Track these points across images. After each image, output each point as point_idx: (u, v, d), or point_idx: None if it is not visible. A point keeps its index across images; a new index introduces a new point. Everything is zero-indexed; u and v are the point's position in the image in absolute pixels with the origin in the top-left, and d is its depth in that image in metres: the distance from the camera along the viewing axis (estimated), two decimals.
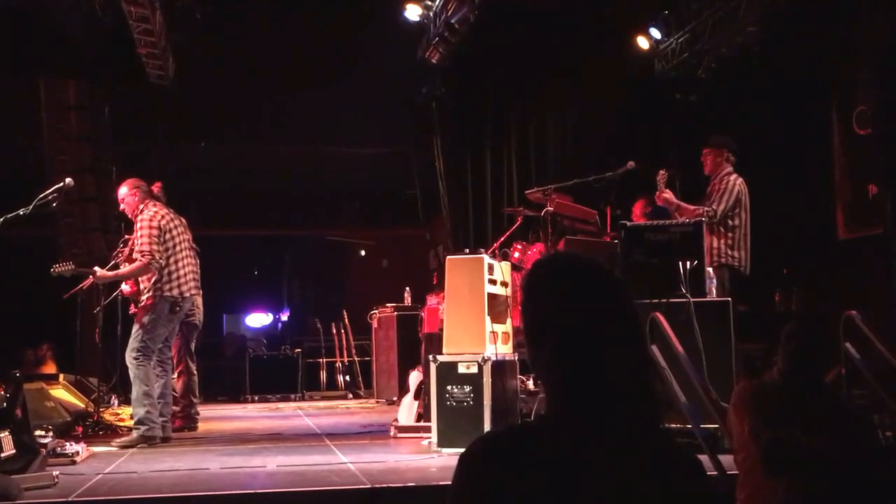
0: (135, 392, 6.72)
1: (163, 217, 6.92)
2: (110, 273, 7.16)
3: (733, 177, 7.20)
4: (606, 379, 1.66)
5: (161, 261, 6.80)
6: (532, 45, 10.84)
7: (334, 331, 13.29)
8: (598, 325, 1.68)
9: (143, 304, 6.90)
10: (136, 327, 6.85)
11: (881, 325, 5.91)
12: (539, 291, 1.76)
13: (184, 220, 7.50)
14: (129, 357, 6.77)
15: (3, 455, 4.86)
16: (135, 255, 6.89)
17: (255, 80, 11.44)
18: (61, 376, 8.67)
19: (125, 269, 7.09)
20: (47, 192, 6.12)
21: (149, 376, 6.72)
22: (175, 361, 8.05)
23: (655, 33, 10.82)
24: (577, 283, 1.73)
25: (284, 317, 18.04)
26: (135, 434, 6.65)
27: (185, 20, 10.39)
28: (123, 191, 7.07)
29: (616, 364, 1.67)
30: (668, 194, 7.15)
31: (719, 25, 9.94)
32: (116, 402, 8.58)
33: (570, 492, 1.59)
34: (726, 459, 4.14)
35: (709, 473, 4.20)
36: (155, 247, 6.77)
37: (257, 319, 18.29)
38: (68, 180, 6.25)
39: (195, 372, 8.28)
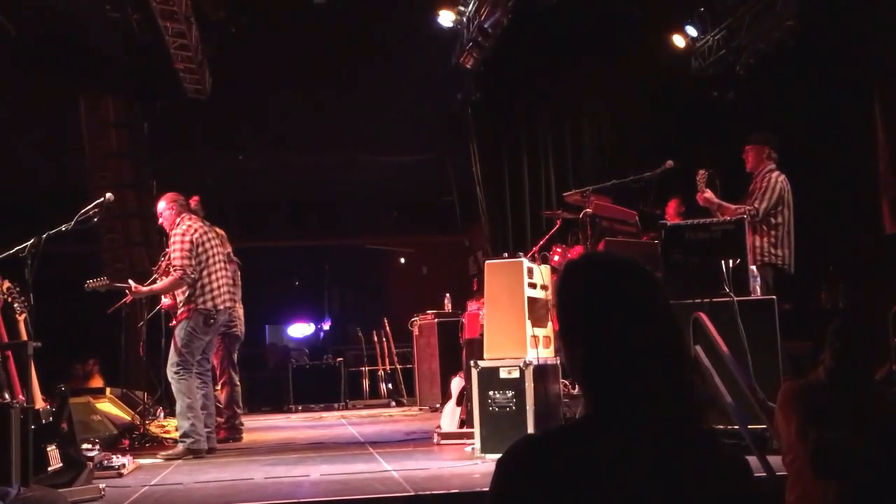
0: (179, 406, 6.80)
1: (196, 231, 6.99)
2: (145, 288, 7.24)
3: (776, 174, 7.09)
4: (643, 379, 1.63)
5: (193, 275, 6.87)
6: (566, 46, 10.78)
7: (375, 339, 13.31)
8: (633, 324, 1.65)
9: (178, 317, 6.98)
10: (173, 342, 6.92)
11: None
12: (573, 292, 1.73)
13: (221, 233, 7.56)
14: (170, 372, 6.87)
15: (50, 469, 4.90)
16: (170, 270, 6.97)
17: (290, 90, 11.52)
18: (108, 390, 8.76)
19: (160, 283, 7.19)
20: (88, 207, 6.18)
21: (191, 389, 6.78)
22: (218, 373, 8.12)
23: (692, 31, 10.71)
24: (611, 282, 1.70)
25: (326, 326, 18.12)
26: (180, 447, 6.71)
27: (220, 33, 10.48)
28: (161, 205, 7.18)
29: (653, 363, 1.64)
30: (709, 194, 7.06)
31: (756, 21, 9.81)
32: (162, 415, 8.65)
33: (610, 494, 1.56)
34: (775, 460, 4.06)
35: (757, 475, 4.13)
36: (187, 261, 6.85)
37: (299, 330, 18.39)
38: (108, 195, 6.30)
39: (238, 383, 8.32)
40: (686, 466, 1.60)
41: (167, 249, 7.48)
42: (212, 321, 7.01)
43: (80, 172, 11.30)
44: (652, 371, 1.63)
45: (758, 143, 7.27)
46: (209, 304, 6.95)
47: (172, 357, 6.86)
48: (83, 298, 9.11)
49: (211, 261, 7.02)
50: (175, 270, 6.85)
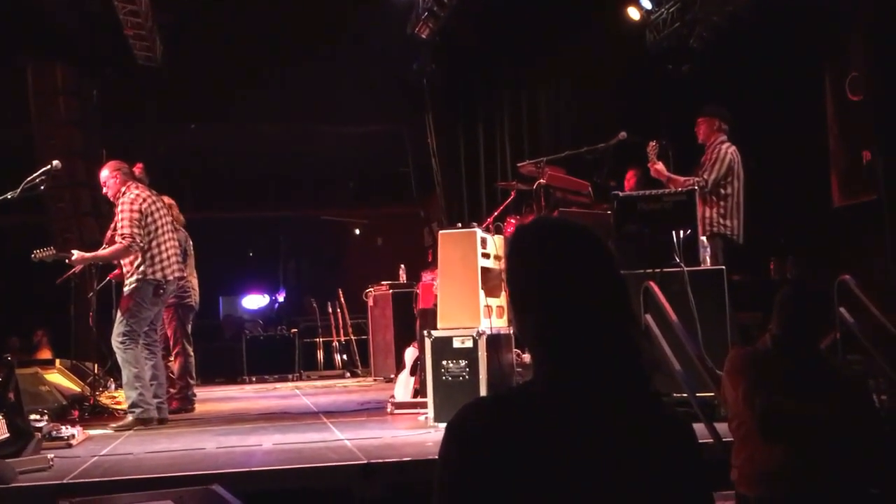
0: (125, 376, 6.70)
1: (144, 200, 6.86)
2: (88, 255, 7.08)
3: (725, 145, 7.18)
4: (593, 344, 1.64)
5: (142, 244, 6.75)
6: (522, 18, 10.74)
7: (330, 310, 13.29)
8: (583, 289, 1.65)
9: (126, 287, 6.86)
10: (120, 311, 6.81)
11: (876, 294, 5.88)
12: (525, 255, 1.73)
13: (170, 202, 7.45)
14: (116, 342, 6.75)
15: None
16: (116, 238, 6.83)
17: (244, 59, 11.36)
18: (57, 361, 8.65)
19: (105, 251, 7.06)
20: (35, 175, 6.07)
21: (137, 359, 6.70)
22: (171, 343, 8.04)
23: (646, 3, 10.72)
24: (562, 246, 1.70)
25: (281, 298, 18.03)
26: (130, 417, 6.64)
27: (172, 1, 10.31)
28: (105, 174, 7.00)
29: (602, 328, 1.65)
30: (660, 165, 7.12)
31: None
32: (113, 386, 8.56)
33: (558, 456, 1.57)
34: (722, 427, 4.13)
35: (704, 441, 4.20)
36: (136, 230, 6.72)
37: (254, 301, 18.28)
38: (55, 162, 6.20)
39: (192, 353, 8.25)
40: (632, 429, 1.61)
41: (115, 219, 7.37)
42: (161, 291, 6.91)
43: (26, 140, 11.08)
44: (600, 335, 1.64)
45: (709, 116, 7.35)
46: (158, 275, 6.84)
47: (118, 327, 6.74)
48: (30, 269, 8.98)
49: (160, 230, 6.90)
50: (123, 238, 6.71)
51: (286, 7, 10.73)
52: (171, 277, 6.94)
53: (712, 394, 4.90)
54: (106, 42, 10.69)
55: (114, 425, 6.64)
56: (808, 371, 3.54)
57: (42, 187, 6.14)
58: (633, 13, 10.81)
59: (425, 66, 11.68)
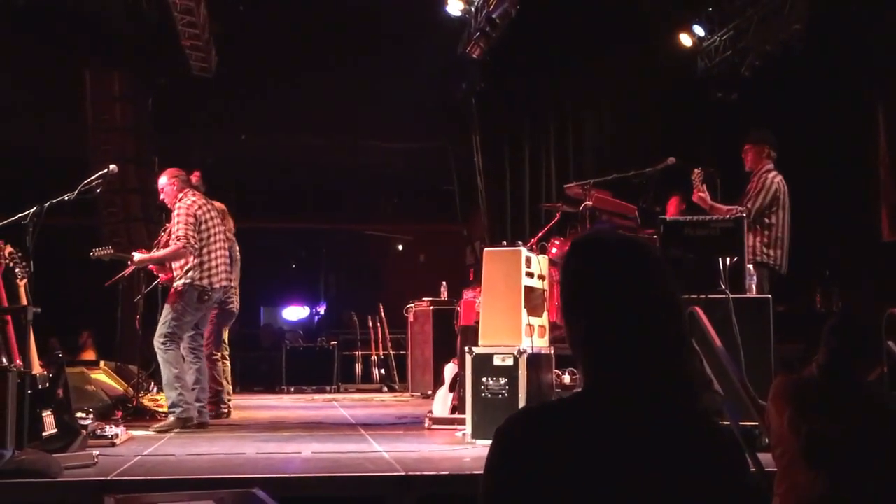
0: (165, 377, 6.81)
1: (199, 207, 7.02)
2: (147, 256, 7.24)
3: (772, 174, 7.13)
4: (643, 356, 1.65)
5: (195, 246, 6.88)
6: (572, 40, 10.79)
7: (370, 324, 13.35)
8: (636, 301, 1.67)
9: (173, 290, 6.99)
10: (164, 313, 6.94)
11: None
12: (577, 266, 1.76)
13: (221, 207, 7.57)
14: (157, 343, 6.86)
15: (44, 434, 4.95)
16: (170, 242, 6.98)
17: (296, 73, 11.53)
18: (102, 363, 8.80)
19: (160, 252, 7.20)
20: (92, 178, 6.20)
21: (178, 360, 6.81)
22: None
23: (699, 30, 10.74)
24: (613, 259, 1.72)
25: (321, 310, 18.14)
26: (171, 418, 6.74)
27: (228, 12, 10.49)
28: (163, 180, 7.19)
29: (653, 342, 1.66)
30: (704, 193, 7.09)
31: (764, 23, 9.84)
32: (155, 389, 8.67)
33: (604, 467, 1.59)
34: (765, 458, 4.09)
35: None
36: (191, 233, 6.89)
37: (294, 312, 18.40)
38: (112, 166, 6.32)
39: (226, 359, 8.30)
40: (680, 444, 1.63)
41: (167, 224, 7.50)
42: (206, 298, 7.03)
43: (81, 145, 11.31)
44: (652, 349, 1.65)
45: (756, 143, 7.30)
46: (205, 282, 6.98)
47: (161, 328, 6.87)
48: (79, 271, 9.14)
49: (212, 238, 7.05)
50: (178, 240, 6.87)
51: (337, 21, 10.87)
52: (217, 286, 7.06)
53: (755, 423, 4.86)
54: (163, 51, 10.91)
55: (155, 426, 6.74)
56: (854, 401, 3.51)
57: (98, 190, 6.26)
58: (686, 39, 10.82)
59: (475, 85, 11.75)
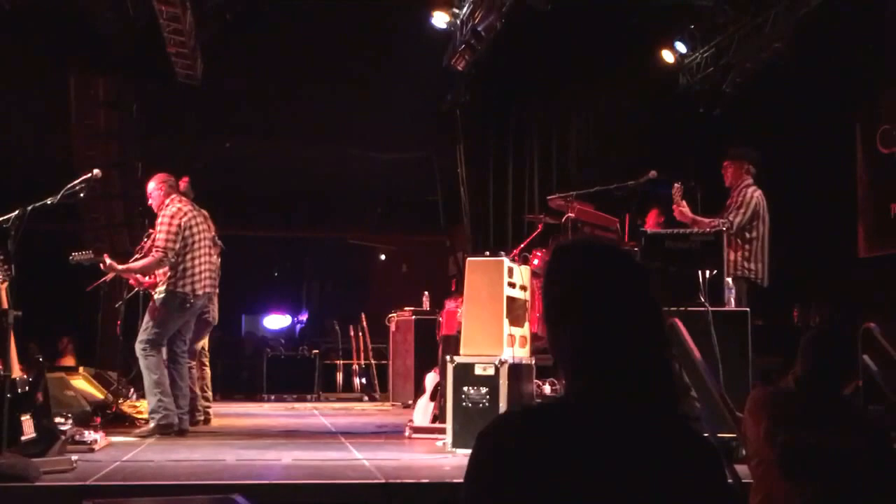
0: (146, 382, 6.81)
1: (185, 214, 7.00)
2: (121, 266, 7.21)
3: (752, 189, 7.22)
4: (625, 361, 1.68)
5: (174, 258, 6.87)
6: (557, 54, 10.86)
7: (352, 333, 13.35)
8: (620, 307, 1.70)
9: (155, 297, 6.98)
10: (146, 319, 6.94)
11: None
12: (560, 273, 1.78)
13: (206, 216, 7.56)
14: (138, 348, 6.87)
15: (23, 438, 4.93)
16: (151, 250, 6.98)
17: (281, 81, 11.54)
18: (81, 368, 8.76)
19: (137, 263, 7.20)
20: (75, 182, 6.19)
21: (158, 366, 6.80)
22: None
23: (681, 47, 10.84)
24: (598, 266, 1.75)
25: (303, 319, 18.10)
26: (151, 423, 6.72)
27: (215, 20, 10.49)
28: (151, 185, 7.19)
29: (633, 347, 1.69)
30: (685, 207, 7.17)
31: (745, 41, 9.95)
32: (135, 395, 8.64)
33: (584, 471, 1.61)
34: (742, 469, 4.13)
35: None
36: (171, 244, 6.86)
37: (276, 321, 18.35)
38: (96, 171, 6.31)
39: (205, 365, 8.25)
40: (660, 452, 1.65)
41: (150, 230, 7.49)
42: (188, 305, 7.01)
43: (65, 150, 11.27)
44: (633, 356, 1.68)
45: (736, 159, 7.40)
46: (187, 288, 6.96)
47: (142, 335, 6.86)
48: (59, 276, 9.08)
49: (196, 245, 7.03)
50: (157, 251, 6.86)
51: (324, 31, 10.89)
52: (200, 293, 7.04)
53: (733, 434, 4.91)
54: (149, 57, 10.88)
55: (136, 432, 6.72)
56: (830, 414, 3.56)
57: (81, 195, 6.25)
58: (668, 56, 10.91)
59: (460, 97, 11.80)
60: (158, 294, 6.97)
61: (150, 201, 7.24)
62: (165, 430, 6.67)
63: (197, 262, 7.02)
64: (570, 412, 1.69)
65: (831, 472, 3.39)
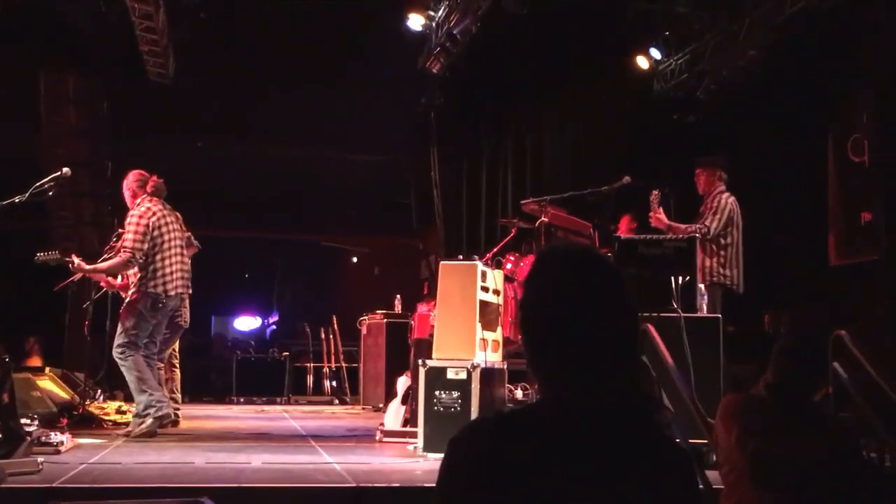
0: (131, 383, 6.71)
1: (153, 214, 6.90)
2: (88, 266, 7.12)
3: (725, 195, 7.28)
4: (598, 367, 1.67)
5: (142, 259, 6.78)
6: (532, 59, 10.88)
7: (323, 336, 13.28)
8: (591, 314, 1.69)
9: (128, 299, 6.90)
10: (120, 322, 6.85)
11: (870, 353, 5.92)
12: (534, 277, 1.78)
13: (179, 217, 7.48)
14: (116, 353, 6.79)
15: None
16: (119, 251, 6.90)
17: (254, 82, 11.47)
18: (48, 369, 8.64)
19: (104, 263, 7.12)
20: (44, 180, 6.11)
21: (138, 363, 6.72)
22: None
23: (656, 53, 10.88)
24: (576, 269, 1.74)
25: (273, 321, 18.00)
26: (148, 420, 6.63)
27: (188, 19, 10.40)
28: (124, 183, 7.10)
29: (609, 353, 1.68)
30: (661, 214, 7.20)
31: (720, 48, 10.00)
32: (102, 397, 8.54)
33: (555, 477, 1.60)
34: (713, 475, 4.14)
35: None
36: (138, 244, 6.76)
37: (246, 322, 18.25)
38: (66, 169, 6.24)
39: (175, 367, 8.16)
40: (632, 457, 1.65)
41: (120, 230, 7.40)
42: (160, 305, 6.92)
43: (34, 147, 11.13)
44: (607, 360, 1.67)
45: (708, 167, 7.46)
46: (159, 289, 6.87)
47: (119, 338, 6.78)
48: (25, 276, 8.95)
49: (166, 245, 6.92)
50: (124, 251, 6.78)
51: (298, 33, 10.85)
52: (172, 293, 6.95)
53: (704, 440, 4.92)
54: (120, 55, 10.78)
55: (134, 433, 6.63)
56: (800, 420, 3.58)
57: (50, 193, 6.17)
58: (642, 62, 10.96)
59: (434, 100, 11.79)
60: (130, 296, 6.88)
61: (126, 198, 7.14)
62: (163, 423, 6.63)
63: (167, 262, 6.93)
64: (543, 418, 1.68)
65: (801, 482, 3.40)
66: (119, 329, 6.82)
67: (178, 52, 10.84)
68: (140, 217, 6.83)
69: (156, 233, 6.86)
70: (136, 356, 6.75)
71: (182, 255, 7.12)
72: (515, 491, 1.59)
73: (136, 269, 6.87)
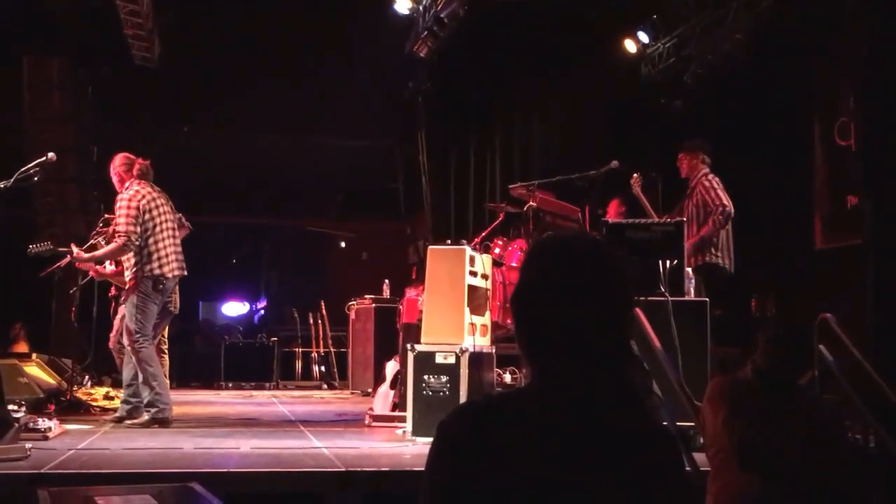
0: (142, 375, 6.59)
1: (143, 197, 6.78)
2: (87, 255, 7.07)
3: (711, 175, 7.35)
4: (586, 352, 1.67)
5: (138, 241, 6.69)
6: (520, 43, 10.87)
7: (311, 321, 13.28)
8: (583, 298, 1.69)
9: (127, 285, 6.82)
10: (127, 310, 6.72)
11: (856, 336, 5.96)
12: (529, 263, 1.79)
13: (168, 199, 7.39)
14: (129, 342, 6.64)
15: None
16: (113, 237, 6.80)
17: (241, 66, 11.41)
18: (34, 355, 8.61)
19: (102, 250, 7.04)
20: (29, 165, 6.07)
21: (152, 357, 6.63)
22: None
23: (643, 37, 10.89)
24: (565, 256, 1.74)
25: (261, 306, 17.98)
26: (145, 416, 6.57)
27: (173, 3, 10.34)
28: (115, 164, 6.93)
29: (597, 339, 1.69)
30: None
31: (707, 32, 10.02)
32: (90, 383, 8.53)
33: (542, 462, 1.61)
34: (700, 458, 4.17)
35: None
36: (132, 227, 6.64)
37: (234, 308, 18.20)
38: (51, 155, 6.18)
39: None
40: (619, 441, 1.65)
41: (107, 215, 7.35)
42: (160, 286, 6.77)
43: (18, 133, 11.04)
44: (595, 345, 1.68)
45: (690, 151, 7.51)
46: (156, 272, 6.72)
47: (129, 326, 6.63)
48: (11, 261, 8.91)
49: (158, 227, 6.78)
50: (119, 237, 6.64)
51: (284, 18, 10.79)
52: (169, 275, 6.80)
53: (691, 423, 4.95)
54: (105, 39, 10.71)
55: (129, 422, 6.59)
56: (786, 404, 3.60)
57: (35, 179, 6.12)
58: (630, 45, 10.96)
59: (421, 84, 11.76)
60: (128, 282, 6.76)
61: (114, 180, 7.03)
62: (161, 425, 6.53)
63: (161, 244, 6.78)
64: (532, 402, 1.69)
65: (787, 464, 3.43)
66: (127, 318, 6.69)
67: (163, 37, 10.77)
68: (130, 200, 6.71)
69: (147, 216, 6.74)
70: (150, 349, 6.65)
71: (174, 236, 6.96)
72: (504, 474, 1.59)
73: (129, 254, 6.76)
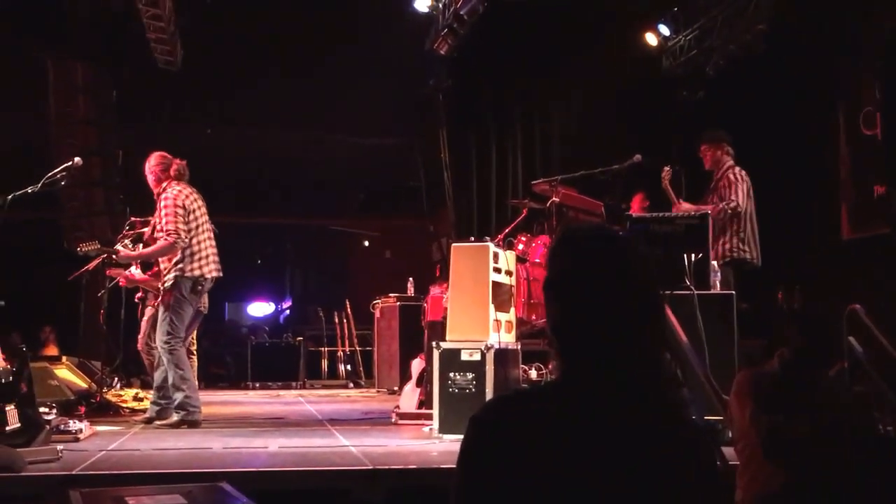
0: (172, 377, 6.59)
1: (187, 196, 6.76)
2: (134, 252, 7.07)
3: (737, 168, 7.30)
4: (616, 346, 1.68)
5: (186, 239, 6.64)
6: (540, 38, 10.84)
7: (336, 320, 13.33)
8: (614, 293, 1.70)
9: (164, 285, 6.76)
10: (161, 312, 6.70)
11: (884, 327, 5.91)
12: (556, 255, 1.80)
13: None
14: (161, 343, 6.63)
15: (8, 428, 4.88)
16: (157, 235, 6.71)
17: (262, 67, 11.44)
18: (64, 358, 8.70)
19: (149, 248, 6.96)
20: (56, 170, 6.12)
21: (183, 360, 6.62)
22: None
23: (664, 30, 10.83)
24: (590, 249, 1.76)
25: (286, 306, 18.06)
26: (175, 418, 6.58)
27: (193, 4, 10.40)
28: (151, 163, 6.92)
29: (628, 333, 1.69)
30: (685, 205, 7.24)
31: (728, 23, 9.94)
32: (119, 384, 8.60)
33: (574, 454, 1.62)
34: (728, 451, 4.15)
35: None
36: (181, 226, 6.61)
37: (259, 308, 18.31)
38: (77, 159, 6.23)
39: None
40: (651, 435, 1.66)
41: (133, 218, 7.38)
42: (199, 288, 6.77)
43: (44, 137, 11.15)
44: (628, 341, 1.69)
45: (713, 142, 7.45)
46: (196, 272, 6.70)
47: (162, 327, 6.63)
48: (42, 265, 9.01)
49: (199, 228, 6.76)
50: (168, 235, 6.58)
51: (305, 16, 10.82)
52: (209, 276, 6.78)
53: (719, 417, 4.93)
54: (127, 43, 10.78)
55: (158, 423, 6.63)
56: (814, 397, 3.58)
57: (62, 183, 6.18)
58: (651, 38, 10.90)
59: (442, 81, 11.75)
60: (167, 282, 6.72)
61: (149, 179, 6.96)
62: (190, 426, 6.54)
63: (202, 245, 6.76)
64: (562, 396, 1.70)
65: (815, 457, 3.40)
66: (160, 319, 6.67)
67: (184, 40, 10.83)
68: (175, 199, 6.67)
69: (190, 216, 6.72)
70: (181, 352, 6.65)
71: (212, 238, 6.91)
72: (536, 468, 1.60)
73: (173, 253, 6.68)
